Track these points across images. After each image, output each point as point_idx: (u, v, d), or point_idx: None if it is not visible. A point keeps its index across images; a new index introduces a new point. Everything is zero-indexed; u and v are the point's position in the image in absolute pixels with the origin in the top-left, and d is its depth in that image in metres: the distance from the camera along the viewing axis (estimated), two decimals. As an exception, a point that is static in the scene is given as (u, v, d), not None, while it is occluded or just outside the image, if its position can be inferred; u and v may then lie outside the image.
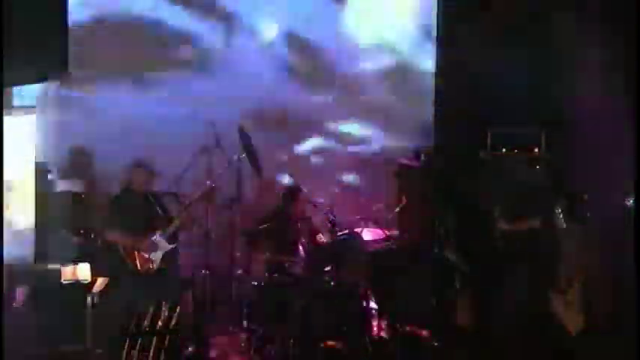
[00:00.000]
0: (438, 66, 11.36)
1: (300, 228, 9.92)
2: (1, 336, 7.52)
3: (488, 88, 10.47)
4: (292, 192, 10.10)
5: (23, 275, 8.88)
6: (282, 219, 9.82)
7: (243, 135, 9.68)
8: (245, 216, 10.28)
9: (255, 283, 9.36)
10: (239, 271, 9.66)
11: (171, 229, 9.28)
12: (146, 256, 9.15)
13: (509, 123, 10.23)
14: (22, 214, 8.94)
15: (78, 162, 10.40)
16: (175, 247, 9.40)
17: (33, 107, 9.33)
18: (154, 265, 9.16)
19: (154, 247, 9.20)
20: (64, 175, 10.13)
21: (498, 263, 9.73)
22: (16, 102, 9.94)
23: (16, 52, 8.03)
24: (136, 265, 9.11)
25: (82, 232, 9.66)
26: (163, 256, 9.23)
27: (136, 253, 9.12)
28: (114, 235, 9.14)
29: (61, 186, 9.71)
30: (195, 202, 9.40)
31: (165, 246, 9.25)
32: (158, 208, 9.31)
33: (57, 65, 8.58)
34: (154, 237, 9.22)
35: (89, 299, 9.00)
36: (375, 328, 9.33)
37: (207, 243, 9.53)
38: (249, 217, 10.31)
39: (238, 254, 9.84)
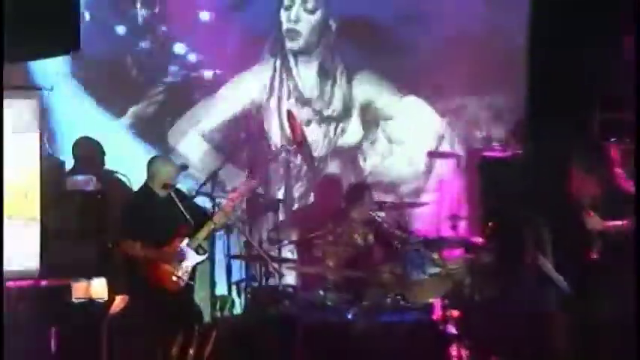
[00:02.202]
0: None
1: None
2: (1, 336, 6.96)
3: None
4: (357, 191, 9.52)
5: (26, 292, 8.09)
6: (343, 224, 9.27)
7: (293, 121, 9.11)
8: (296, 220, 10.12)
9: (310, 301, 8.89)
10: (289, 288, 9.26)
11: (201, 235, 8.45)
12: (171, 269, 8.34)
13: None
14: (24, 218, 8.07)
15: (91, 155, 9.55)
16: (207, 259, 8.70)
17: (39, 88, 8.49)
18: (182, 281, 8.39)
19: (181, 258, 8.38)
20: (76, 170, 9.29)
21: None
22: (19, 81, 9.08)
23: (24, 26, 7.34)
24: (160, 281, 8.35)
25: (97, 240, 8.74)
26: (193, 269, 8.49)
27: (158, 266, 8.35)
28: (130, 245, 8.35)
29: (72, 184, 8.82)
30: (232, 203, 8.60)
31: (195, 257, 8.45)
32: (185, 211, 8.45)
33: (68, 40, 7.89)
34: (181, 246, 8.40)
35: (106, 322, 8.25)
36: (454, 358, 8.70)
37: (248, 253, 8.98)
38: (300, 221, 10.11)
39: (287, 266, 9.32)
